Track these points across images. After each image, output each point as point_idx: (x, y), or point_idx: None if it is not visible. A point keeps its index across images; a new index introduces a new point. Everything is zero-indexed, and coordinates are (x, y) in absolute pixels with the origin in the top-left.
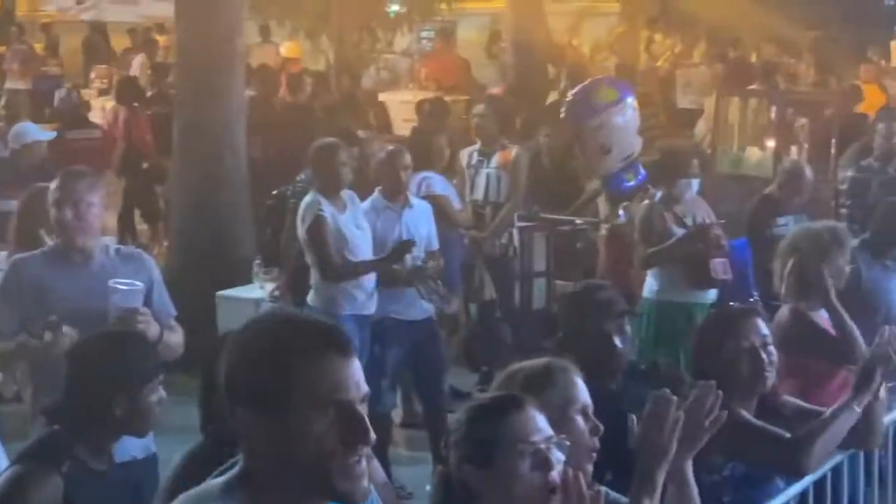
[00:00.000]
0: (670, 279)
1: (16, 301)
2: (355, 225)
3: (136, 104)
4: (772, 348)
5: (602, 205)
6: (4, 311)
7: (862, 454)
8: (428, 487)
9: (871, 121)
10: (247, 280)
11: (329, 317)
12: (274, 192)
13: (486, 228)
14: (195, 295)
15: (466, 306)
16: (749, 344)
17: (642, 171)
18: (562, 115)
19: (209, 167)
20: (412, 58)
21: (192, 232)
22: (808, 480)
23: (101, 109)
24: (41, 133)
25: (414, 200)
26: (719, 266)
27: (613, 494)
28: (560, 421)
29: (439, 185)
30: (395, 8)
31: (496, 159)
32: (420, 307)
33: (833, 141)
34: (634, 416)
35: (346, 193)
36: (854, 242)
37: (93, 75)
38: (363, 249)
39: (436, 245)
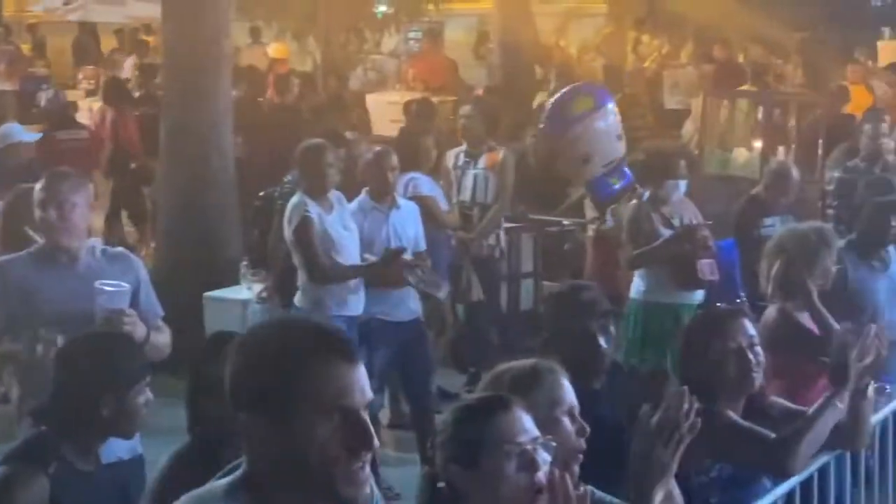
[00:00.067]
0: (657, 280)
1: (1, 303)
2: (342, 226)
3: (123, 105)
4: (759, 349)
5: (589, 206)
6: None
7: (848, 454)
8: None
9: (858, 122)
10: (234, 281)
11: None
12: (261, 194)
13: (474, 229)
14: (182, 296)
15: (454, 307)
16: (736, 345)
17: (628, 172)
18: (539, 126)
19: (196, 168)
20: (399, 59)
21: (180, 233)
22: (794, 481)
23: (88, 110)
24: (26, 134)
25: (401, 201)
26: (706, 267)
27: (599, 494)
28: (547, 422)
29: (426, 185)
30: (382, 9)
31: (483, 161)
32: (407, 308)
33: (820, 142)
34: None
35: (333, 194)
36: (840, 243)
37: (80, 76)
38: (350, 250)
39: (423, 246)
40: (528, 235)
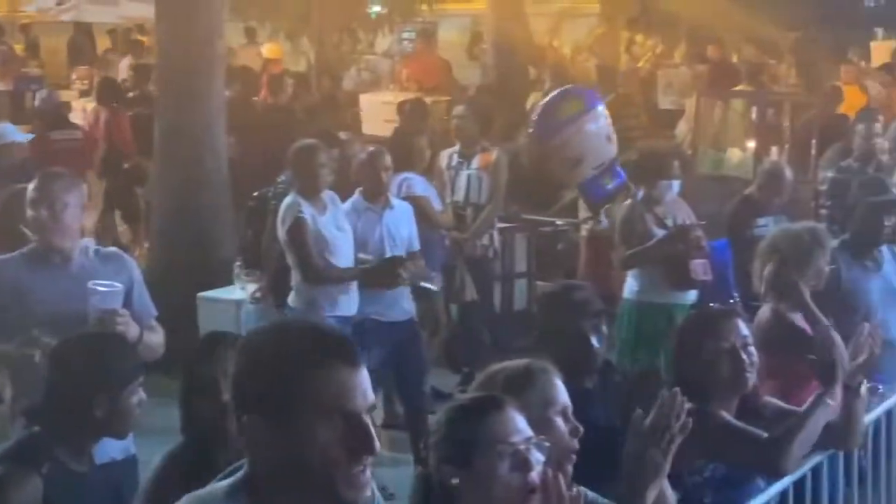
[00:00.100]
0: (650, 280)
1: None
2: (336, 226)
3: (116, 105)
4: (752, 349)
5: (582, 206)
6: None
7: (842, 454)
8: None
9: (852, 122)
10: (227, 281)
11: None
12: (255, 194)
13: (467, 230)
14: (176, 296)
15: (447, 307)
16: (729, 345)
17: (620, 172)
18: (529, 131)
19: (190, 169)
20: (393, 59)
21: (173, 233)
22: (788, 480)
23: (81, 110)
24: (18, 134)
25: (395, 201)
26: (699, 267)
27: (592, 495)
28: (540, 422)
29: (420, 186)
30: (376, 9)
31: (477, 161)
32: (401, 308)
33: (813, 142)
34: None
35: (326, 195)
36: (834, 243)
37: (73, 76)
38: (344, 251)
39: (417, 246)
40: (521, 235)
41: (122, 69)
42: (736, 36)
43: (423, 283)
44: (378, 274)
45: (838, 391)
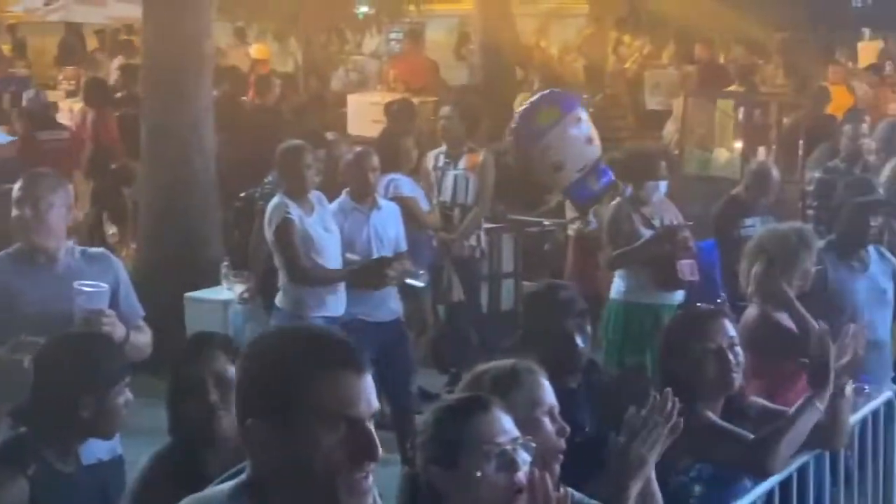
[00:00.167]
0: (638, 281)
1: None
2: (323, 227)
3: (104, 105)
4: (738, 349)
5: (569, 206)
6: None
7: (828, 454)
8: None
9: (839, 122)
10: (215, 282)
11: (297, 318)
12: (242, 195)
13: (455, 230)
14: (163, 296)
15: (435, 308)
16: (715, 345)
17: (607, 170)
18: (509, 139)
19: (177, 169)
20: (381, 59)
21: (161, 233)
22: (774, 480)
23: (69, 111)
24: (1, 135)
25: (382, 202)
26: (686, 267)
27: (579, 495)
28: (526, 422)
29: (407, 186)
30: (363, 9)
31: (464, 161)
32: (388, 309)
33: (800, 142)
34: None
35: (313, 195)
36: (820, 244)
37: (60, 77)
38: (331, 251)
39: (404, 247)
40: (508, 236)
41: (114, 70)
42: (724, 36)
43: (409, 280)
44: (365, 274)
45: (828, 395)
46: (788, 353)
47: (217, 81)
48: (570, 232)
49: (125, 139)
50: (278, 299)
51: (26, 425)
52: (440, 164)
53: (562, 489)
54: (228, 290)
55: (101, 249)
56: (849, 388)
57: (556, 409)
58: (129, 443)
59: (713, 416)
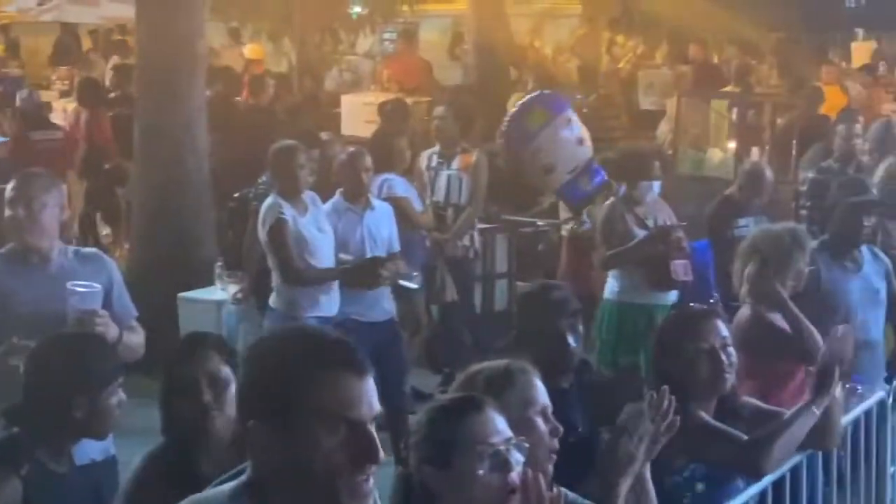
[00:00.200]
0: (631, 281)
1: None
2: (317, 227)
3: (97, 105)
4: (731, 350)
5: (563, 207)
6: None
7: (820, 454)
8: None
9: (832, 122)
10: (208, 282)
11: (291, 318)
12: (236, 195)
13: (448, 230)
14: (157, 296)
15: (428, 308)
16: (709, 345)
17: (599, 170)
18: (499, 141)
19: (170, 169)
20: (374, 59)
21: (154, 233)
22: (766, 481)
23: (62, 111)
24: None
25: (375, 202)
26: (680, 268)
27: (572, 495)
28: (520, 422)
29: (400, 186)
30: (357, 10)
31: (457, 162)
32: (381, 309)
33: (794, 142)
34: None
35: (307, 195)
36: (813, 244)
37: (54, 77)
38: (325, 252)
39: (397, 247)
40: (502, 236)
41: (109, 70)
42: (717, 37)
43: (403, 282)
44: (358, 274)
45: (827, 401)
46: (781, 353)
47: (210, 81)
48: (564, 232)
49: (119, 139)
50: (272, 300)
51: (19, 425)
52: (433, 164)
53: (555, 489)
54: (222, 291)
55: (94, 250)
56: (840, 389)
57: (550, 410)
58: (123, 443)
59: (706, 416)
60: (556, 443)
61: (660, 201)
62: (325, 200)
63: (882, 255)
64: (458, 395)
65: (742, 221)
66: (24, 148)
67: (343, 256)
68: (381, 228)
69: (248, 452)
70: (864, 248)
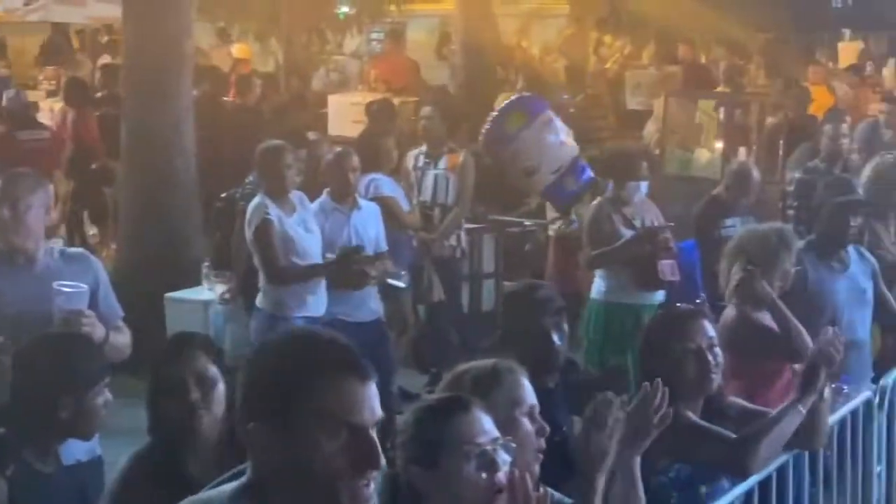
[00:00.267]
0: (618, 281)
1: None
2: (304, 227)
3: (84, 105)
4: (718, 350)
5: (550, 206)
6: None
7: (807, 454)
8: None
9: (819, 122)
10: (195, 282)
11: (277, 319)
12: (223, 195)
13: (435, 230)
14: (144, 296)
15: (415, 308)
16: (695, 345)
17: (585, 168)
18: (480, 144)
19: (158, 168)
20: (361, 59)
21: (141, 233)
22: (753, 480)
23: (49, 111)
24: None
25: (362, 202)
26: (667, 267)
27: (558, 495)
28: (507, 422)
29: (387, 186)
30: (344, 10)
31: (444, 162)
32: (368, 309)
33: (781, 142)
34: (576, 418)
35: (295, 195)
36: (800, 244)
37: (41, 76)
38: (312, 252)
39: (384, 246)
40: (489, 236)
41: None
42: (704, 37)
43: (391, 280)
44: (340, 268)
45: (812, 400)
46: (768, 353)
47: (198, 81)
48: (551, 232)
49: (106, 139)
50: (258, 300)
51: (5, 425)
52: (420, 164)
53: (541, 489)
54: (209, 291)
55: (80, 250)
56: (827, 389)
57: (537, 409)
58: (109, 443)
59: (693, 415)
60: (542, 442)
61: (647, 201)
62: (312, 200)
63: (868, 254)
64: (445, 395)
65: (729, 221)
66: (10, 147)
67: (330, 256)
68: (368, 228)
69: (249, 454)
70: (850, 248)
